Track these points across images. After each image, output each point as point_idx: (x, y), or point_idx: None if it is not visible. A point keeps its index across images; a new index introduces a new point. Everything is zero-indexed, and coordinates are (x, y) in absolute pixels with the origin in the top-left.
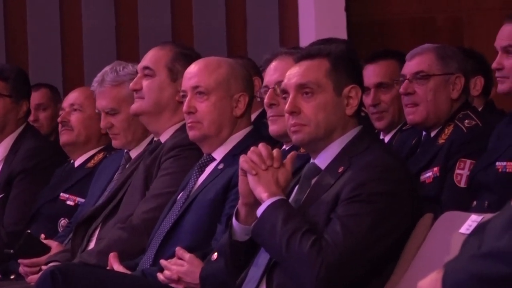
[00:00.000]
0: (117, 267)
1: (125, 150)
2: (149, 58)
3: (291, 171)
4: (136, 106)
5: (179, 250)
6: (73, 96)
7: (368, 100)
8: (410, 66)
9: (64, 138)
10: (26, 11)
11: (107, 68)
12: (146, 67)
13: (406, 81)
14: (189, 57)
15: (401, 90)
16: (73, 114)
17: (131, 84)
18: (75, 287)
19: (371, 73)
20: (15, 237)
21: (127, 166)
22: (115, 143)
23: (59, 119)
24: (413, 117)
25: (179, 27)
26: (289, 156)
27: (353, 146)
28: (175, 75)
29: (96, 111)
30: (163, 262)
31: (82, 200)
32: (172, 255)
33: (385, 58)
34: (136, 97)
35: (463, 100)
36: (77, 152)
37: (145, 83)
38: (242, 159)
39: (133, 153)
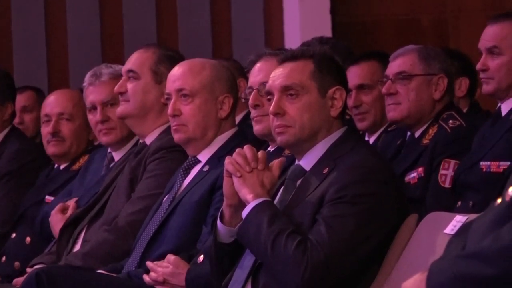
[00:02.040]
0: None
1: (108, 150)
2: (133, 61)
3: (278, 175)
4: (121, 109)
5: (168, 257)
6: (60, 104)
7: (350, 101)
8: (393, 66)
9: (54, 149)
10: (10, 13)
11: (95, 68)
12: (130, 70)
13: (389, 81)
14: (173, 59)
15: (384, 90)
16: (64, 124)
17: (115, 87)
18: None
19: (353, 75)
20: (1, 240)
21: (111, 167)
22: (106, 139)
23: (49, 130)
24: (393, 114)
25: (164, 29)
26: (277, 161)
27: (337, 147)
28: (160, 78)
29: (88, 106)
30: (149, 264)
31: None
32: (158, 257)
33: (367, 60)
34: (121, 100)
35: (447, 100)
36: (65, 160)
37: (129, 86)
38: (227, 160)
39: (117, 155)
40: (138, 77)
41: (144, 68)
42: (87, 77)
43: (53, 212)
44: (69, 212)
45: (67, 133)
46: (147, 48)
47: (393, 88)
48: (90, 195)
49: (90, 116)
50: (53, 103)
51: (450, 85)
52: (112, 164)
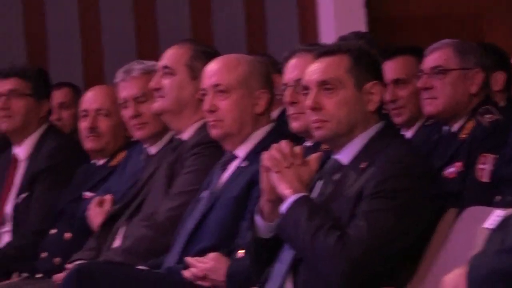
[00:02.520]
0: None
1: (144, 146)
2: (168, 57)
3: (315, 169)
4: (157, 105)
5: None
6: (96, 99)
7: (386, 96)
8: (428, 61)
9: (91, 144)
10: (45, 10)
11: (127, 65)
12: (165, 66)
13: (425, 75)
14: (209, 55)
15: (419, 84)
16: (101, 120)
17: (151, 83)
18: (100, 285)
19: (388, 70)
20: (40, 236)
21: (147, 162)
22: (140, 133)
23: (87, 125)
24: (429, 109)
25: (198, 25)
26: (315, 155)
27: (375, 142)
28: (195, 73)
29: (121, 102)
30: (188, 259)
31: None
32: (198, 253)
33: (402, 54)
34: (157, 96)
35: (484, 95)
36: (102, 156)
37: (165, 82)
38: (264, 156)
39: (153, 149)
40: (174, 73)
41: (180, 64)
42: (119, 74)
43: (90, 206)
44: (106, 206)
45: (104, 129)
46: (182, 44)
47: (429, 82)
48: (127, 191)
49: (123, 112)
50: (91, 98)
51: (486, 79)
52: (148, 159)
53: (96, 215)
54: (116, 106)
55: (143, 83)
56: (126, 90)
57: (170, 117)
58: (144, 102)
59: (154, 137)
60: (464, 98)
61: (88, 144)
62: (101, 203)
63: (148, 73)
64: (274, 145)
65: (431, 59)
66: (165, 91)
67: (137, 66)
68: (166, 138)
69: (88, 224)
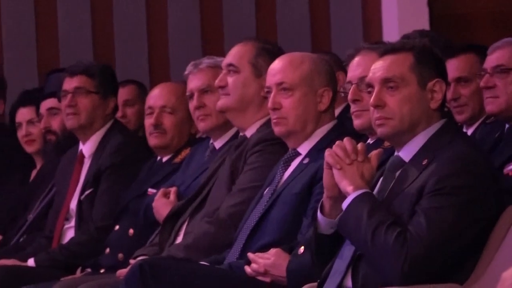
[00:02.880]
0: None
1: (210, 141)
2: (232, 55)
3: (376, 166)
4: (221, 102)
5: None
6: (162, 96)
7: (448, 94)
8: (491, 60)
9: (155, 141)
10: (112, 7)
11: (203, 59)
12: (230, 64)
13: (487, 75)
14: (272, 53)
15: (482, 83)
16: (166, 117)
17: (216, 81)
18: (163, 280)
19: (451, 68)
20: (104, 232)
21: (212, 157)
22: (203, 125)
23: (152, 122)
24: (491, 107)
25: (263, 23)
26: (375, 152)
27: (437, 139)
28: (259, 71)
29: (188, 94)
30: (250, 255)
31: None
32: (259, 249)
33: (464, 53)
34: (222, 94)
35: None
36: (167, 153)
37: (229, 79)
38: (327, 153)
39: (218, 144)
40: (238, 71)
41: (244, 61)
42: (188, 67)
43: (156, 198)
44: (172, 197)
45: (168, 126)
46: (246, 42)
47: (491, 81)
48: (192, 186)
49: (189, 104)
50: (156, 96)
51: None
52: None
53: (162, 205)
54: (181, 102)
55: (209, 76)
56: (193, 82)
57: (234, 114)
58: (209, 94)
59: (218, 131)
60: None
61: (153, 140)
62: (166, 195)
63: (215, 67)
64: (337, 142)
65: (493, 58)
66: (229, 89)
67: (206, 60)
68: (230, 133)
69: (151, 221)
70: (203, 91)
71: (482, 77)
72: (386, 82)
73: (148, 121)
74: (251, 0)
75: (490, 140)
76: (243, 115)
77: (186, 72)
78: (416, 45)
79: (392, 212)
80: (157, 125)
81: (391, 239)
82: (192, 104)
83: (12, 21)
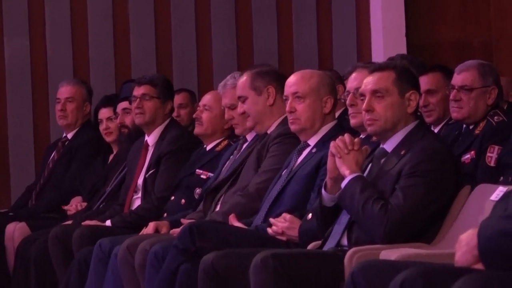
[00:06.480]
0: (236, 223)
1: (241, 136)
2: (239, 88)
3: (366, 155)
4: (249, 123)
5: (285, 215)
6: (206, 98)
7: (420, 102)
8: (458, 79)
9: (196, 130)
10: (171, 31)
11: (228, 77)
12: (239, 96)
13: (455, 90)
14: (266, 73)
15: (451, 97)
16: (204, 113)
17: (238, 110)
18: (206, 237)
19: (423, 82)
20: (163, 201)
21: (243, 148)
22: (236, 131)
23: (194, 115)
24: (456, 115)
25: (283, 48)
26: (365, 147)
27: (412, 135)
28: (259, 90)
29: (222, 108)
30: (271, 220)
31: (212, 174)
32: (278, 215)
33: (432, 71)
34: (247, 117)
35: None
36: (207, 140)
37: (244, 106)
38: (331, 144)
39: (249, 136)
40: (246, 97)
41: (246, 89)
42: (219, 87)
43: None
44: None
45: (204, 119)
46: (243, 74)
47: (458, 95)
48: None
49: (225, 114)
50: (205, 98)
51: (500, 93)
52: (245, 145)
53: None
54: (217, 104)
55: (232, 94)
56: (224, 99)
57: (257, 127)
58: (233, 110)
59: (246, 130)
60: (482, 108)
61: (195, 130)
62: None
63: (236, 87)
64: (340, 137)
65: (460, 78)
66: (248, 111)
67: (229, 81)
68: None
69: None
70: (231, 106)
71: (450, 91)
72: (374, 92)
73: (194, 114)
74: (274, 31)
75: (451, 136)
76: (262, 123)
77: (218, 90)
78: (397, 65)
79: (378, 190)
80: (197, 118)
81: (376, 209)
82: (226, 116)
83: (95, 43)
